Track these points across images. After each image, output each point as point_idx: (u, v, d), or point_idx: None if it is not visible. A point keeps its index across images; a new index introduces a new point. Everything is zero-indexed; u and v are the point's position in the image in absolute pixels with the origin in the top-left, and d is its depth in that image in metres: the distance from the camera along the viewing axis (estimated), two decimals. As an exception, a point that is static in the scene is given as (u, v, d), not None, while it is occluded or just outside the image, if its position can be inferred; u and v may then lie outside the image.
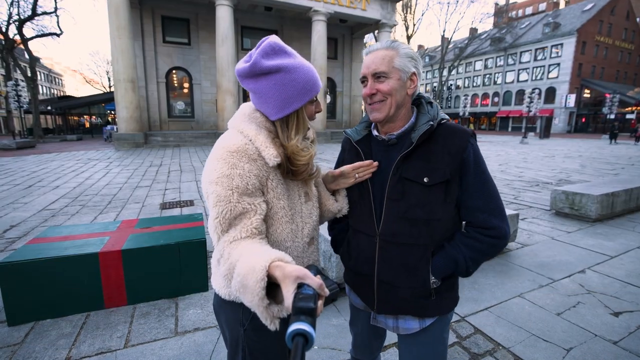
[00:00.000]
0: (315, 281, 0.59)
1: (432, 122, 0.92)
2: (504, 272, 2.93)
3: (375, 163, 1.00)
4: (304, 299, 0.55)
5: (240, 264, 0.71)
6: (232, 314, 0.94)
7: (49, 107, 29.18)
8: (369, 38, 28.57)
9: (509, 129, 42.66)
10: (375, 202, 0.99)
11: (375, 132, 1.04)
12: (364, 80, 0.97)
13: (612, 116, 28.57)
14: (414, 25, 32.99)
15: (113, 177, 7.75)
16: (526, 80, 40.06)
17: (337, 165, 1.16)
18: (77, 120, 32.75)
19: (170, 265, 2.47)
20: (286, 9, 17.83)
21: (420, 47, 60.57)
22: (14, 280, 2.12)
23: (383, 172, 0.98)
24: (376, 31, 20.31)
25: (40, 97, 31.06)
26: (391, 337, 1.88)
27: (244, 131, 0.87)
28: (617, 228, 4.20)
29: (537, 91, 25.49)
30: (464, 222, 1.00)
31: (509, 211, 3.45)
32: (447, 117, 0.97)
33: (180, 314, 2.31)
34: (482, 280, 2.78)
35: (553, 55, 37.26)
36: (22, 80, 20.93)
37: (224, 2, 14.65)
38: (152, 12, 16.93)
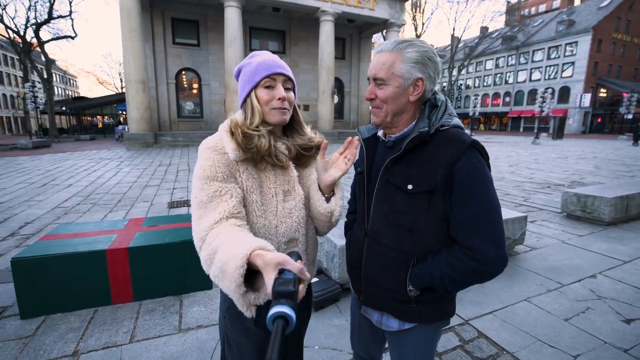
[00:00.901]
0: (295, 266, 0.60)
1: (426, 129, 0.88)
2: (511, 276, 2.88)
3: (356, 137, 0.99)
4: (284, 283, 0.56)
5: (222, 251, 0.72)
6: (220, 299, 1.02)
7: (63, 108, 29.95)
8: (377, 38, 28.43)
9: (521, 130, 41.87)
10: (368, 200, 1.01)
11: (379, 132, 1.05)
12: (369, 81, 0.96)
13: (630, 116, 27.74)
14: (423, 24, 32.71)
15: (123, 176, 7.91)
16: (539, 80, 39.24)
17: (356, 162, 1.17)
18: (91, 121, 33.48)
19: (175, 263, 2.51)
20: (294, 10, 17.89)
21: (430, 46, 59.92)
22: (27, 275, 2.18)
23: (378, 172, 0.99)
24: (384, 31, 20.19)
25: (56, 98, 31.89)
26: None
27: (219, 129, 0.97)
28: (632, 232, 4.08)
29: (550, 90, 24.92)
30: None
31: (517, 213, 3.39)
32: (452, 122, 0.90)
33: (184, 312, 2.34)
34: (488, 283, 2.73)
35: (567, 53, 36.40)
36: (39, 82, 21.50)
37: (232, 4, 14.78)
38: (162, 15, 17.19)
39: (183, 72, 18.53)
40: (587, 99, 34.99)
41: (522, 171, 9.25)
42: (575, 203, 4.58)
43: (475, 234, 0.84)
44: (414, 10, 32.07)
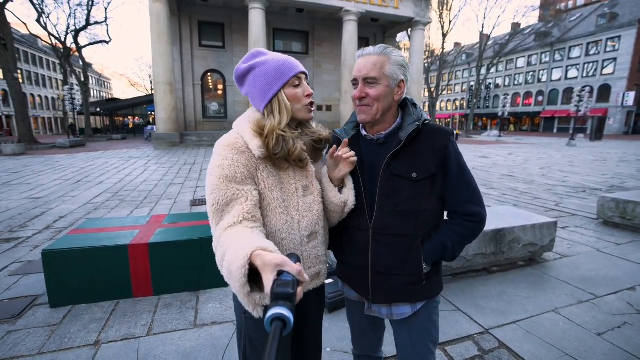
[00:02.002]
0: (294, 268, 0.60)
1: (418, 123, 1.00)
2: (538, 284, 2.71)
3: (345, 140, 1.05)
4: (283, 285, 0.57)
5: (229, 252, 0.74)
6: (238, 300, 0.98)
7: (98, 109, 31.76)
8: (401, 37, 27.94)
9: (555, 130, 39.66)
10: (367, 197, 1.05)
11: (364, 132, 1.10)
12: (355, 82, 1.02)
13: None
14: (450, 22, 31.74)
15: (150, 174, 8.24)
16: (575, 78, 36.97)
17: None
18: (122, 121, 35.26)
19: (193, 259, 2.56)
20: (317, 10, 17.90)
21: (456, 44, 58.20)
22: (55, 267, 2.31)
23: (373, 170, 1.04)
24: (409, 29, 19.79)
25: (91, 100, 33.84)
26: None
27: (236, 128, 0.97)
28: (678, 241, 3.73)
29: (587, 89, 23.39)
30: (445, 212, 1.10)
31: (546, 218, 3.21)
32: (429, 117, 1.05)
33: (200, 307, 2.38)
34: (512, 291, 2.59)
35: (608, 49, 33.99)
36: (77, 85, 22.92)
37: (256, 6, 15.03)
38: (189, 18, 17.78)
39: (208, 74, 19.07)
40: (630, 97, 32.51)
41: (554, 174, 8.75)
42: (613, 209, 4.26)
43: (472, 203, 1.03)
44: (440, 8, 31.18)
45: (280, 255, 0.64)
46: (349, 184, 1.08)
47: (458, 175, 1.02)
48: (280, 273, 0.60)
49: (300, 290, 0.59)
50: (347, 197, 1.06)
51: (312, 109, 1.00)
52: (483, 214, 1.04)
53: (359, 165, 1.06)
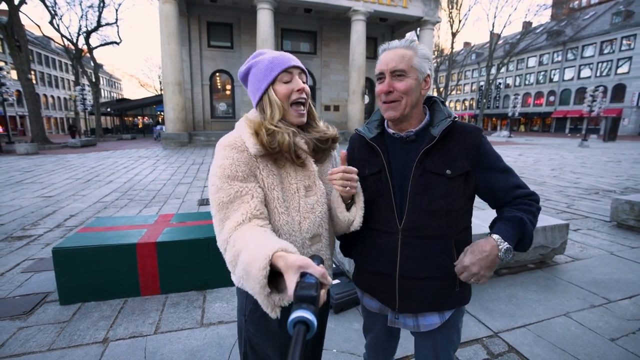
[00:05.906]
0: (317, 270, 0.59)
1: (450, 119, 0.97)
2: (549, 287, 2.65)
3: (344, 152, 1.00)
4: (306, 288, 0.56)
5: (245, 252, 0.72)
6: (240, 302, 0.99)
7: (108, 109, 32.29)
8: (410, 36, 27.68)
9: (566, 131, 38.90)
10: (396, 198, 1.00)
11: (390, 130, 1.04)
12: (380, 77, 0.98)
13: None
14: (460, 21, 31.38)
15: (159, 174, 8.33)
16: (589, 77, 36.21)
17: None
18: (132, 121, 35.74)
19: (200, 258, 2.57)
20: (325, 10, 17.88)
21: (466, 44, 57.55)
22: (65, 264, 2.34)
23: (403, 168, 0.99)
24: (418, 29, 19.63)
25: (102, 100, 34.44)
26: (404, 350, 1.78)
27: (237, 127, 0.97)
28: (696, 245, 3.62)
29: (601, 89, 22.89)
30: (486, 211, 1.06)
31: (557, 220, 3.14)
32: (456, 115, 1.02)
33: (207, 307, 2.39)
34: (521, 294, 2.54)
35: (624, 47, 33.18)
36: (88, 85, 23.38)
37: (265, 6, 15.09)
38: (198, 19, 17.94)
39: (217, 74, 19.20)
40: (646, 97, 31.72)
41: (566, 175, 8.57)
42: (627, 211, 4.15)
43: (523, 187, 0.99)
44: (450, 7, 30.86)
45: (303, 257, 0.63)
46: (359, 202, 0.99)
47: (501, 167, 1.00)
48: (303, 275, 0.59)
49: (323, 293, 0.58)
50: (354, 216, 0.98)
51: (302, 112, 0.95)
52: (536, 193, 1.01)
53: (387, 165, 1.01)
